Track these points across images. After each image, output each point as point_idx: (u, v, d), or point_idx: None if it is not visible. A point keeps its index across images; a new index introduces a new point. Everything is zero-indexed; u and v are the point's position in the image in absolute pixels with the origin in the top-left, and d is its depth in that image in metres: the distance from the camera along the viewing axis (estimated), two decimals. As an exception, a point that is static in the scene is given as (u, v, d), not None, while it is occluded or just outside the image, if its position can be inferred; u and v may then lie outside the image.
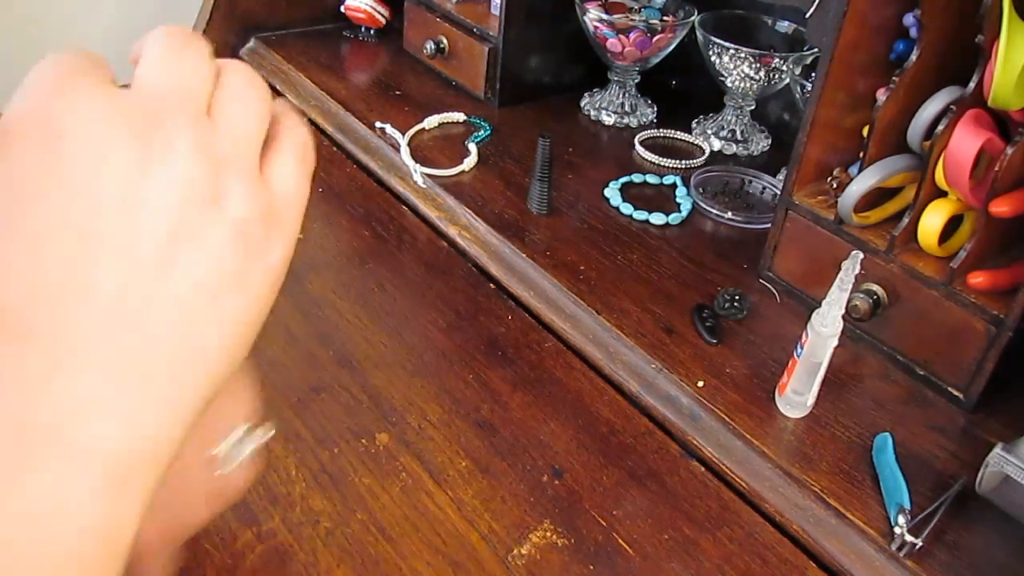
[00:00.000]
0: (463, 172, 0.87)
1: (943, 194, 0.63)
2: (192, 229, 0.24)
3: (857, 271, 0.55)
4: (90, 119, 0.23)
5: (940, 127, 0.59)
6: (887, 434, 0.59)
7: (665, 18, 0.99)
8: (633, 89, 1.02)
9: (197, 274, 0.24)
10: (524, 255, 0.75)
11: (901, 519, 0.53)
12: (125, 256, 0.23)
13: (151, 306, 0.23)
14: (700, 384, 0.63)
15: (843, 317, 0.57)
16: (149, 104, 0.24)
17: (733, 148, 0.96)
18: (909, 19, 0.64)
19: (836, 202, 0.66)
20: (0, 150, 0.23)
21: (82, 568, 0.22)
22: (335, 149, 0.94)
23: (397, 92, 1.03)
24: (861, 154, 0.66)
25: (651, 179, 0.89)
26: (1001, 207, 0.57)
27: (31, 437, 0.22)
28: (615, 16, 0.95)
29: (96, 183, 0.23)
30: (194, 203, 0.24)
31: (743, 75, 0.90)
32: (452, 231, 0.80)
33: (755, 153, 0.97)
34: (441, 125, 0.96)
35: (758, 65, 0.88)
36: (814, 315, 0.58)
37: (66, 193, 0.23)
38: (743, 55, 0.88)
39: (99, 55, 0.26)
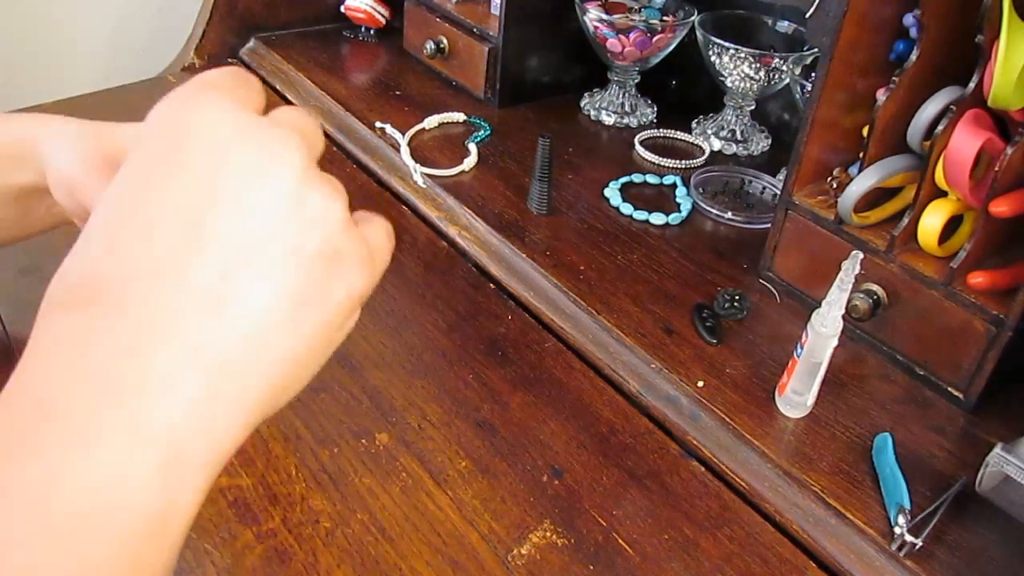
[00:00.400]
0: (463, 172, 0.87)
1: (943, 194, 0.63)
2: (289, 238, 0.26)
3: (857, 271, 0.55)
4: (218, 126, 0.26)
5: (940, 127, 0.59)
6: (887, 434, 0.59)
7: (665, 18, 0.99)
8: (633, 89, 1.02)
9: (286, 281, 0.26)
10: (524, 255, 0.75)
11: (901, 519, 0.53)
12: (225, 252, 0.25)
13: (237, 303, 0.25)
14: (700, 384, 0.63)
15: (843, 317, 0.57)
16: (274, 128, 0.27)
17: (733, 148, 0.96)
18: (909, 19, 0.64)
19: (836, 202, 0.66)
20: (137, 144, 0.26)
21: (136, 543, 0.23)
22: (335, 149, 0.94)
23: (397, 92, 1.03)
24: (861, 154, 0.66)
25: (651, 179, 0.89)
26: (1001, 207, 0.57)
27: (105, 403, 0.23)
28: (615, 16, 0.95)
29: (213, 182, 0.25)
30: (295, 215, 0.26)
31: (743, 75, 0.90)
32: (452, 231, 0.80)
33: (755, 153, 0.97)
34: (441, 125, 0.96)
35: (758, 65, 0.88)
36: (814, 315, 0.58)
37: (184, 187, 0.25)
38: (743, 55, 0.88)
39: (250, 76, 0.30)
